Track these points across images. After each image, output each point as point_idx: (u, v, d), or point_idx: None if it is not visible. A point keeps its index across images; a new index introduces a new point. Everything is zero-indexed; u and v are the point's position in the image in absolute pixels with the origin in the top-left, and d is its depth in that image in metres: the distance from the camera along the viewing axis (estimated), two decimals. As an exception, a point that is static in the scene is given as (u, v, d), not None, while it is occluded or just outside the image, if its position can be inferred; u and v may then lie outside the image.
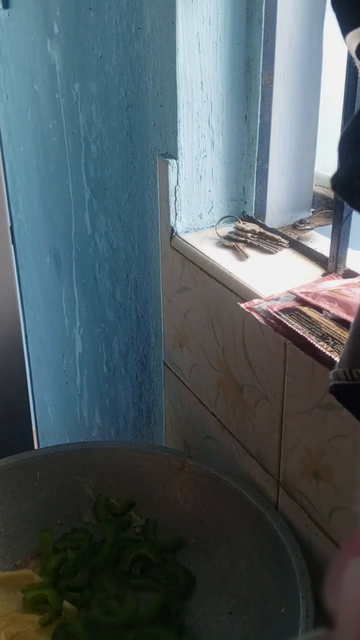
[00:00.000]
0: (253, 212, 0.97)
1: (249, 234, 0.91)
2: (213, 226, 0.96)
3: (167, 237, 0.97)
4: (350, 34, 0.45)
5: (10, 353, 1.38)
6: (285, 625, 0.75)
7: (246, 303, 0.78)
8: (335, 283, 0.80)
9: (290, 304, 0.76)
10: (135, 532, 0.96)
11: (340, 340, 0.68)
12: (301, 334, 0.69)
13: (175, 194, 0.93)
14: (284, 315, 0.73)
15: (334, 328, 0.70)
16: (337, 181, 0.43)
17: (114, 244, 1.19)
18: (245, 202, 0.97)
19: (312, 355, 0.69)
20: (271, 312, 0.74)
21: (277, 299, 0.77)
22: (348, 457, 0.70)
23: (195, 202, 0.95)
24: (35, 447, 1.70)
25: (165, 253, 0.99)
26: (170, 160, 0.91)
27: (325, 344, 0.67)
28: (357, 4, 0.44)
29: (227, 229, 0.95)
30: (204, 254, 0.90)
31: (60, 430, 1.78)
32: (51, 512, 0.97)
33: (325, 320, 0.71)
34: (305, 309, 0.74)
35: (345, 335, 0.69)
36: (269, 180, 0.94)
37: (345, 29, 0.45)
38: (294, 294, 0.77)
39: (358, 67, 0.47)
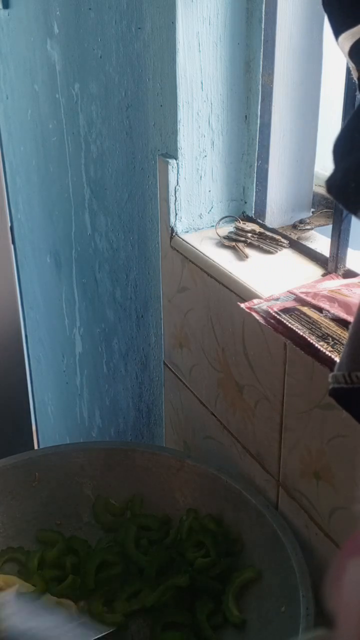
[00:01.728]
0: (253, 212, 0.97)
1: (249, 234, 0.91)
2: (213, 226, 0.96)
3: (167, 237, 0.97)
4: (343, 36, 0.44)
5: (10, 353, 1.38)
6: (285, 624, 0.75)
7: (246, 303, 0.78)
8: (335, 283, 0.80)
9: (290, 304, 0.76)
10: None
11: (340, 340, 0.68)
12: (301, 334, 0.69)
13: (175, 194, 0.93)
14: (284, 315, 0.73)
15: (334, 328, 0.70)
16: (332, 184, 0.43)
17: (114, 244, 1.19)
18: (245, 202, 0.97)
19: (312, 355, 0.69)
20: (271, 312, 0.74)
21: (277, 299, 0.77)
22: (348, 457, 0.70)
23: (195, 202, 0.95)
24: (35, 447, 1.70)
25: (165, 253, 0.99)
26: (170, 160, 0.91)
27: (325, 344, 0.67)
28: (349, 6, 0.43)
29: (227, 229, 0.95)
30: (204, 254, 0.90)
31: (60, 430, 1.78)
32: (50, 513, 0.96)
33: (325, 320, 0.71)
34: (305, 309, 0.74)
35: (345, 335, 0.69)
36: (269, 180, 0.94)
37: (338, 31, 0.45)
38: (294, 294, 0.77)
39: (351, 69, 0.47)
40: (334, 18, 0.45)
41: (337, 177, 0.43)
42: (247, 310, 0.76)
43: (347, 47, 0.44)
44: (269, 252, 0.90)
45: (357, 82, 0.46)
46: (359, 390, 0.46)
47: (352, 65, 0.46)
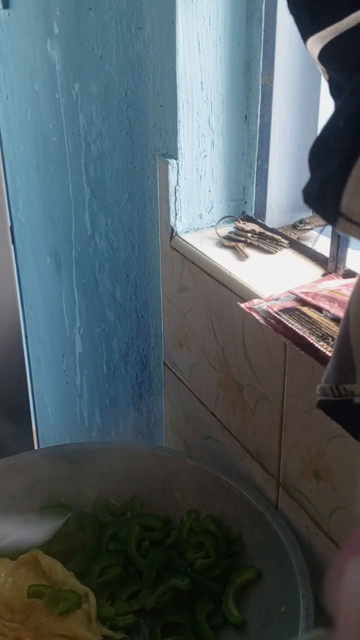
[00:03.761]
0: (253, 212, 0.97)
1: (249, 234, 0.91)
2: (213, 226, 0.96)
3: (167, 237, 0.97)
4: (311, 39, 0.43)
5: (10, 353, 1.38)
6: (285, 624, 0.75)
7: (246, 303, 0.78)
8: (335, 283, 0.80)
9: (290, 304, 0.76)
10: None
11: (340, 340, 0.68)
12: (301, 334, 0.69)
13: (175, 194, 0.93)
14: (284, 315, 0.73)
15: (334, 328, 0.70)
16: (309, 193, 0.41)
17: (114, 244, 1.19)
18: (245, 202, 0.97)
19: (312, 355, 0.69)
20: (271, 312, 0.74)
21: (277, 299, 0.77)
22: (348, 457, 0.70)
23: (195, 202, 0.95)
24: (35, 447, 1.70)
25: (165, 253, 0.99)
26: (170, 160, 0.91)
27: (325, 344, 0.67)
28: (315, 8, 0.42)
29: (227, 229, 0.95)
30: (204, 254, 0.90)
31: (60, 430, 1.78)
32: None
33: (325, 320, 0.71)
34: (305, 309, 0.74)
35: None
36: (269, 180, 0.94)
37: (305, 34, 0.43)
38: (294, 294, 0.77)
39: (321, 73, 0.46)
40: (301, 21, 0.43)
41: (313, 186, 0.41)
42: (247, 310, 0.76)
43: (316, 51, 0.43)
44: (269, 252, 0.90)
45: (328, 85, 0.45)
46: (347, 403, 0.46)
47: (321, 69, 0.45)
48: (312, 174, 0.41)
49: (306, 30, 0.43)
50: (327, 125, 0.41)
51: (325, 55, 0.42)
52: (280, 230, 0.93)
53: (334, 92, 0.44)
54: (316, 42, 0.42)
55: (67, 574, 0.88)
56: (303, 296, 0.76)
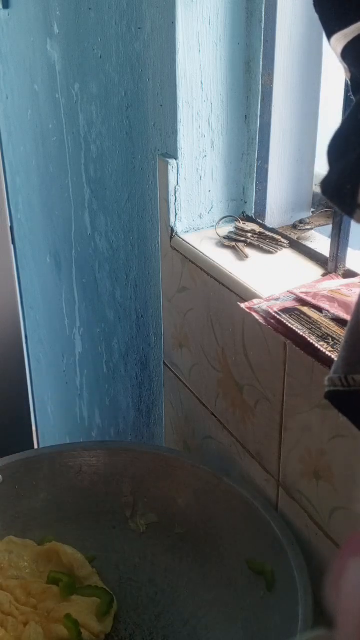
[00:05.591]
0: (253, 212, 0.97)
1: (249, 234, 0.91)
2: (213, 226, 0.96)
3: (167, 237, 0.97)
4: (335, 37, 0.43)
5: (10, 353, 1.38)
6: (284, 625, 0.75)
7: (246, 303, 0.78)
8: (335, 283, 0.80)
9: (290, 304, 0.76)
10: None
11: (340, 340, 0.68)
12: (301, 334, 0.69)
13: (175, 194, 0.93)
14: (284, 315, 0.73)
15: (334, 328, 0.70)
16: (327, 186, 0.43)
17: (114, 244, 1.19)
18: (245, 202, 0.97)
19: (312, 355, 0.69)
20: (271, 312, 0.74)
21: (277, 299, 0.77)
22: (348, 457, 0.70)
23: (195, 202, 0.95)
24: (35, 447, 1.70)
25: (165, 253, 0.99)
26: (170, 160, 0.91)
27: (325, 344, 0.67)
28: (340, 6, 0.43)
29: (227, 229, 0.95)
30: (204, 254, 0.90)
31: (60, 430, 1.78)
32: (51, 512, 0.96)
33: (325, 320, 0.71)
34: (305, 309, 0.74)
35: (345, 335, 0.68)
36: (269, 180, 0.94)
37: (330, 32, 0.44)
38: (294, 294, 0.77)
39: (344, 71, 0.46)
40: (326, 19, 0.44)
41: (332, 178, 0.42)
42: (247, 310, 0.76)
43: (339, 49, 0.44)
44: (269, 252, 0.90)
45: (349, 82, 0.46)
46: (355, 393, 0.46)
47: (344, 66, 0.46)
48: (331, 167, 0.43)
49: (330, 27, 0.44)
50: (346, 120, 0.42)
51: (348, 53, 0.43)
52: (280, 230, 0.93)
53: (355, 89, 0.45)
54: (340, 40, 0.43)
55: (90, 571, 0.90)
56: (303, 296, 0.76)
